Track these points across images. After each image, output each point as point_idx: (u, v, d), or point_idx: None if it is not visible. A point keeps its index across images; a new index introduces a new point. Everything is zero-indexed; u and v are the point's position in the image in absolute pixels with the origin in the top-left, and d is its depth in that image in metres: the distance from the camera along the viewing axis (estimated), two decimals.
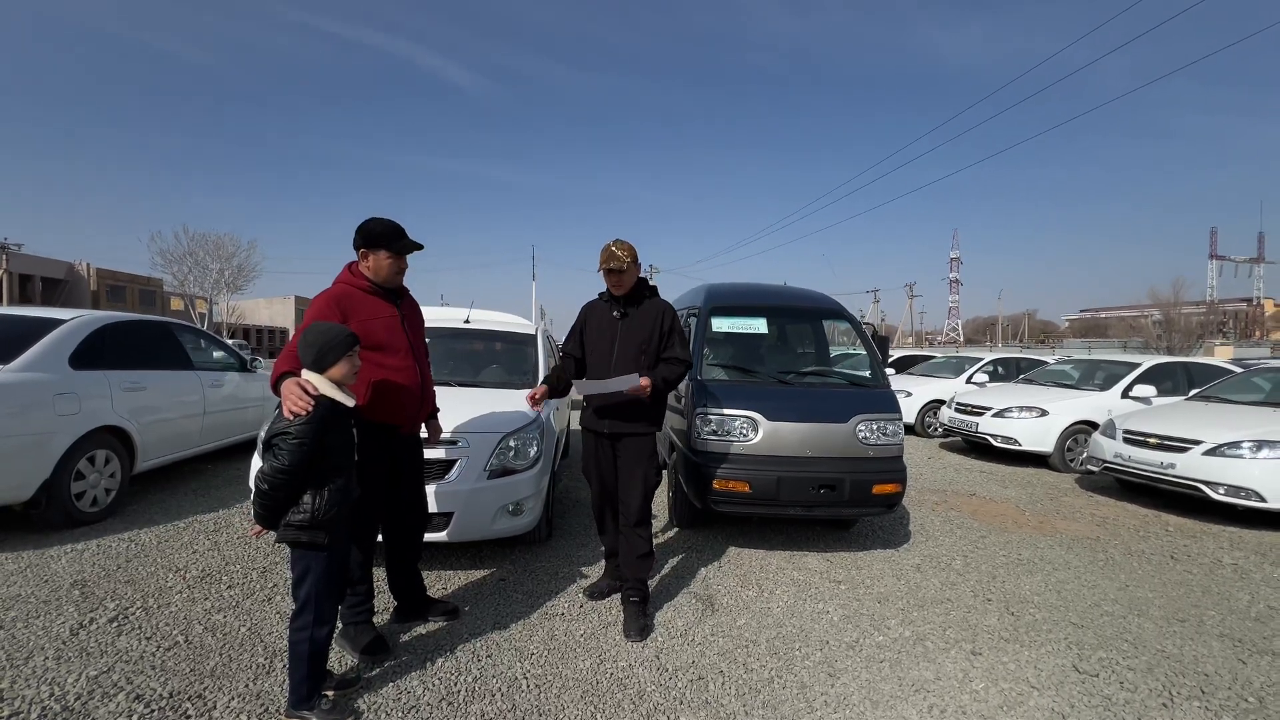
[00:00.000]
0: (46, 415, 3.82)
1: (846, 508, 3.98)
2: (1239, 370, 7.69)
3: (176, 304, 43.82)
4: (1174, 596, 3.64)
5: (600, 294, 3.27)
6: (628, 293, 3.12)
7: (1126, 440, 5.91)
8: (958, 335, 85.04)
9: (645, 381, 2.91)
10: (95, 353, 4.31)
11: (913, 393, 10.35)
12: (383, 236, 2.58)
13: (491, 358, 5.03)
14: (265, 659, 2.55)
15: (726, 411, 3.95)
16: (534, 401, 3.15)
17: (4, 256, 36.22)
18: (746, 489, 3.82)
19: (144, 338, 5.01)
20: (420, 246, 2.69)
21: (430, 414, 2.94)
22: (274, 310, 65.62)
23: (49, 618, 2.81)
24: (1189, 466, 5.31)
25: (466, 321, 5.34)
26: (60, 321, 4.25)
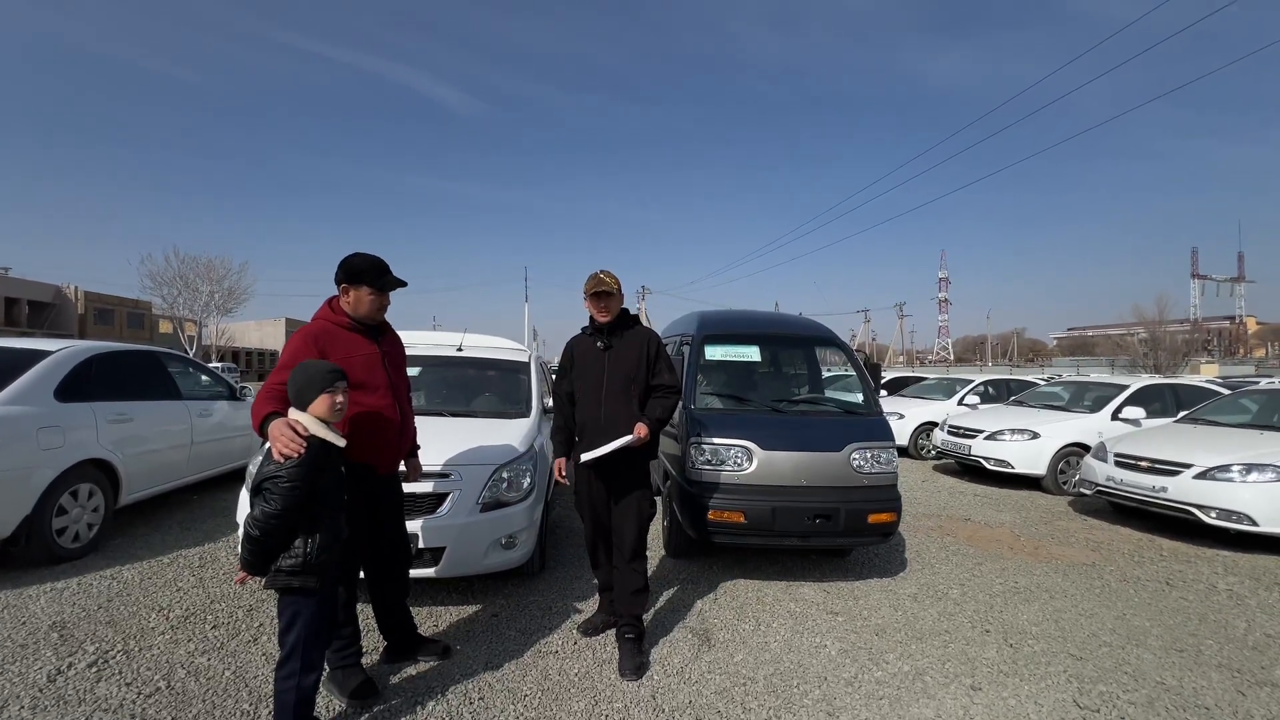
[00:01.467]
0: (29, 449, 3.75)
1: (842, 538, 3.95)
2: (1226, 392, 7.78)
3: (165, 327, 43.48)
4: (1171, 625, 3.62)
5: (584, 328, 3.26)
6: (612, 321, 3.12)
7: (1118, 463, 5.94)
8: (948, 354, 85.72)
9: (643, 431, 2.92)
10: (82, 384, 4.26)
11: (905, 415, 10.39)
12: (365, 272, 2.55)
13: (484, 386, 4.99)
14: (250, 705, 2.47)
15: (720, 441, 3.93)
16: (561, 476, 3.29)
17: None
18: (741, 519, 3.79)
19: (131, 368, 4.95)
20: (404, 283, 2.66)
21: (410, 451, 2.90)
22: (264, 332, 65.22)
23: (25, 663, 2.73)
24: (1181, 490, 5.33)
25: (459, 349, 5.32)
26: (47, 353, 4.20)
